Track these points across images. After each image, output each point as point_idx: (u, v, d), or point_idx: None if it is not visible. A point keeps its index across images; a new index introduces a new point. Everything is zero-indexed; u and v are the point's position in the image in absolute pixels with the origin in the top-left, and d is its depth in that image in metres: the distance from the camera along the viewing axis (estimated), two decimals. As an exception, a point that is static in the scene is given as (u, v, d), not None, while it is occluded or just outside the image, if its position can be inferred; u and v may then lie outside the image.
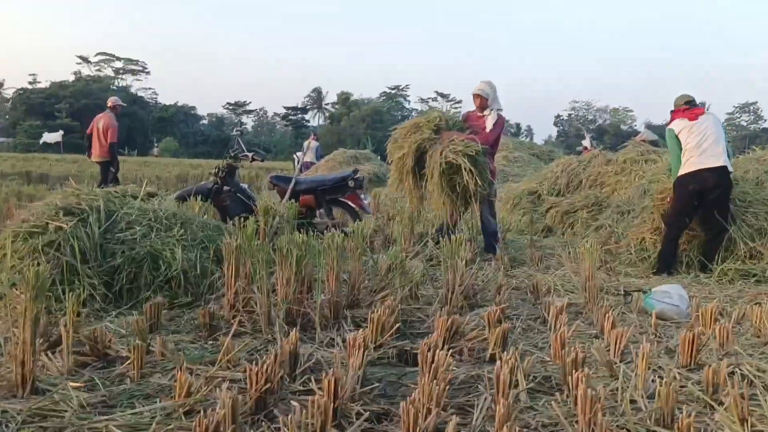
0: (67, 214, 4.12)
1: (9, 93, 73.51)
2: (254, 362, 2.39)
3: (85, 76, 73.67)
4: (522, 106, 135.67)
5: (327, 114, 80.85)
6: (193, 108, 79.66)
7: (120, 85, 76.40)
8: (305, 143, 19.38)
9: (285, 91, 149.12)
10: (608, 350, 3.06)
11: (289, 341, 2.69)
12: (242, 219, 4.47)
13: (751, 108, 76.95)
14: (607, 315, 3.41)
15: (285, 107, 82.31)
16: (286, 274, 3.47)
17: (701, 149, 5.55)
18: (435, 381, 2.19)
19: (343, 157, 18.83)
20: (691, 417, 1.98)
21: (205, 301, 3.99)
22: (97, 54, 78.14)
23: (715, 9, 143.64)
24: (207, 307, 3.50)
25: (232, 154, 7.24)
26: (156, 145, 57.47)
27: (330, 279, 3.60)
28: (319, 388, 2.25)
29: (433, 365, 2.41)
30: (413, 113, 66.01)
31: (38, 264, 3.51)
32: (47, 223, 4.02)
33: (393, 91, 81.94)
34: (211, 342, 3.23)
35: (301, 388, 2.56)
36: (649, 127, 56.05)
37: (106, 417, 2.23)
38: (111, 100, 11.01)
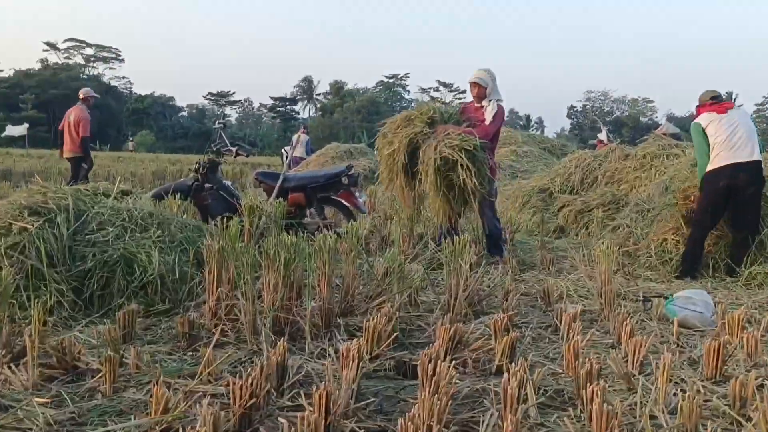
0: (32, 214, 4.11)
1: (-32, 82, 73.42)
2: (238, 375, 2.39)
3: (53, 64, 73.66)
4: (532, 96, 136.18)
5: (318, 105, 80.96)
6: (172, 98, 79.87)
7: (91, 73, 76.41)
8: (294, 137, 19.40)
9: (272, 80, 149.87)
10: (626, 361, 3.06)
11: (277, 352, 2.69)
12: (225, 219, 4.47)
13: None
14: (624, 323, 3.42)
15: (272, 97, 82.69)
16: (273, 279, 3.47)
17: (732, 143, 5.56)
18: (436, 395, 2.19)
19: (336, 151, 18.80)
20: (716, 433, 1.99)
21: (184, 308, 3.98)
22: (66, 40, 78.34)
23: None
24: (186, 315, 3.48)
25: (214, 149, 7.23)
26: (131, 138, 57.32)
27: (321, 284, 3.60)
28: (309, 404, 2.25)
29: (434, 378, 2.41)
30: (413, 104, 66.03)
31: (0, 268, 3.50)
32: (10, 224, 4.01)
33: (391, 80, 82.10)
34: (190, 353, 3.23)
35: (290, 403, 2.55)
36: (671, 119, 56.24)
37: (74, 435, 2.23)
38: (83, 92, 11.00)
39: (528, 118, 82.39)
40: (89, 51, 79.03)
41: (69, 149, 10.61)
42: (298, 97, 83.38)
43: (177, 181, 8.73)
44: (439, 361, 2.49)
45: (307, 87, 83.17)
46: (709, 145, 5.67)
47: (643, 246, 6.29)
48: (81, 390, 2.70)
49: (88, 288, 3.95)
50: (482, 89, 6.26)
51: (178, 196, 6.21)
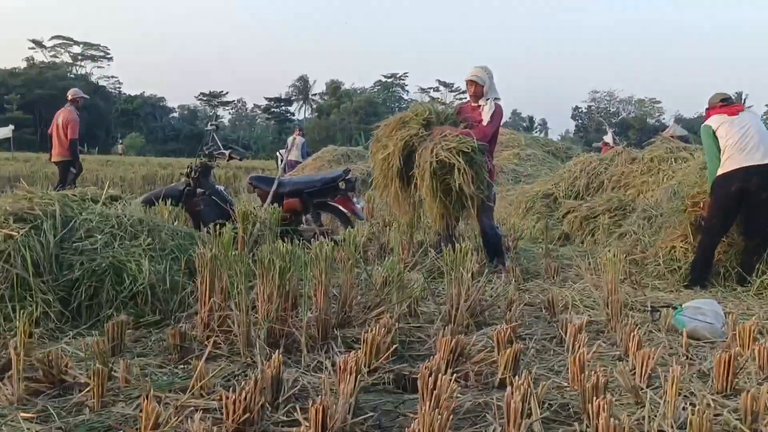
0: (17, 221, 4.11)
1: (-50, 82, 73.43)
2: (231, 389, 2.39)
3: (39, 62, 73.75)
4: (536, 97, 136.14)
5: (314, 106, 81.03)
6: (162, 99, 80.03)
7: (79, 72, 76.50)
8: (289, 139, 19.44)
9: (266, 80, 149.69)
10: (633, 374, 3.07)
11: (271, 365, 2.69)
12: (218, 226, 4.47)
13: (794, 99, 77.52)
14: (632, 334, 3.43)
15: (266, 98, 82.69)
16: (267, 289, 3.47)
17: (743, 145, 5.57)
18: (437, 410, 2.19)
19: (333, 154, 18.83)
20: (727, 450, 1.99)
21: (175, 319, 3.98)
22: (53, 37, 78.41)
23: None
24: (177, 327, 3.49)
25: (207, 152, 7.24)
26: (120, 141, 57.42)
27: (318, 294, 3.60)
28: (305, 419, 2.25)
29: (434, 392, 2.41)
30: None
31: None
32: (-5, 231, 4.01)
33: (389, 80, 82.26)
34: (182, 366, 3.23)
35: (285, 418, 2.55)
36: (680, 120, 56.31)
37: (62, 452, 2.23)
38: (71, 92, 10.99)
39: (531, 119, 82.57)
40: (77, 49, 79.23)
41: (57, 153, 10.59)
42: (293, 98, 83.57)
43: (168, 186, 8.72)
44: (440, 374, 2.50)
45: (302, 87, 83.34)
46: (719, 148, 5.67)
47: (651, 254, 6.29)
48: (68, 405, 2.70)
49: (75, 298, 3.95)
50: (479, 88, 6.22)
51: (169, 201, 6.23)
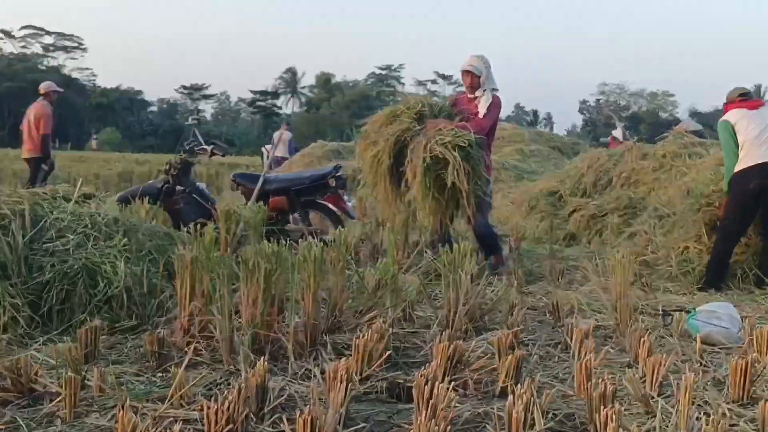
0: (-17, 220, 4.10)
1: None
2: (213, 398, 2.39)
3: (8, 53, 73.56)
4: (541, 90, 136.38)
5: (303, 99, 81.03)
6: (140, 92, 79.78)
7: (50, 64, 76.27)
8: (276, 134, 19.40)
9: (252, 72, 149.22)
10: (644, 382, 3.07)
11: (256, 373, 2.68)
12: (199, 225, 4.47)
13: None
14: (642, 340, 3.43)
15: (252, 91, 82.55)
16: (252, 293, 3.47)
17: (762, 140, 5.61)
18: (433, 420, 2.20)
19: (323, 150, 18.81)
20: (742, 461, 2.00)
21: (153, 324, 3.97)
22: (23, 27, 78.04)
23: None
24: (155, 332, 3.47)
25: (187, 148, 7.24)
26: (94, 136, 57.21)
27: (306, 298, 3.60)
28: (293, 430, 2.25)
29: (431, 401, 2.41)
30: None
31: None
32: (-41, 231, 4.00)
33: (384, 72, 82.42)
34: (160, 374, 3.22)
35: (271, 429, 2.55)
36: (694, 114, 56.54)
37: (30, 466, 2.22)
38: (43, 86, 10.95)
39: (536, 113, 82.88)
40: (48, 39, 78.92)
41: (28, 149, 10.56)
42: (280, 91, 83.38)
43: (145, 183, 8.70)
44: (436, 383, 2.50)
45: (290, 79, 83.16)
46: (737, 144, 5.70)
47: (663, 255, 6.31)
48: (38, 415, 2.69)
49: (46, 302, 3.94)
50: (476, 78, 6.23)
51: (146, 200, 6.20)
